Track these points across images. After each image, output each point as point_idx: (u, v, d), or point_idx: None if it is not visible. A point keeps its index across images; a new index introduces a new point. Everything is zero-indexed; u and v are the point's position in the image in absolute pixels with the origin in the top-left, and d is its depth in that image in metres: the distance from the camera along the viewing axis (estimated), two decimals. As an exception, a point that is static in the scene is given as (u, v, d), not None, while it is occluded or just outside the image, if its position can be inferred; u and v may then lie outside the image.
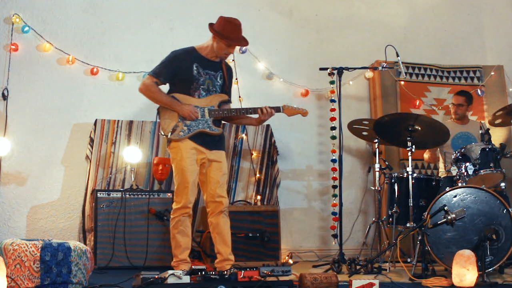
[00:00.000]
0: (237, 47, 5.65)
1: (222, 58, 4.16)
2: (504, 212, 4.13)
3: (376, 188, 5.10)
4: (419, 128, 4.59)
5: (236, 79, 5.46)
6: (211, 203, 4.09)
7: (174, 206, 4.05)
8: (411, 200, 4.52)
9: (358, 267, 4.27)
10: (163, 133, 4.05)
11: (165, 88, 4.16)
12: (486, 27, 6.40)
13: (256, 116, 4.18)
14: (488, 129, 4.66)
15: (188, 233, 4.05)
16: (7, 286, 3.11)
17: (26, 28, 5.17)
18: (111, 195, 4.77)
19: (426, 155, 5.43)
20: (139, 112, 5.33)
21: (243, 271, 3.33)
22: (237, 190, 5.37)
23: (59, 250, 3.35)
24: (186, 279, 3.20)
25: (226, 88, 4.21)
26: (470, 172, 4.43)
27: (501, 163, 4.56)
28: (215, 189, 4.07)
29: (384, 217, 4.98)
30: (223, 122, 4.23)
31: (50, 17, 5.30)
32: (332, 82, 5.48)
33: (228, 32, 4.03)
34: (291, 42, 5.91)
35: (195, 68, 4.06)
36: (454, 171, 4.51)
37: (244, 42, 4.15)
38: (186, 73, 4.04)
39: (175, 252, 4.03)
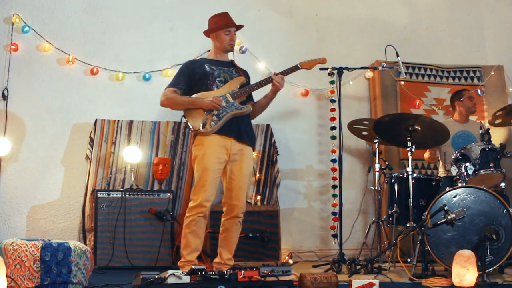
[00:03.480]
0: (237, 47, 5.68)
1: (229, 49, 4.20)
2: (504, 212, 4.13)
3: (376, 188, 5.10)
4: (419, 128, 4.59)
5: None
6: (226, 204, 4.10)
7: (190, 204, 4.00)
8: (411, 200, 4.51)
9: (358, 267, 4.27)
10: (193, 130, 4.01)
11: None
12: (486, 27, 6.40)
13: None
14: (488, 129, 4.66)
15: (200, 235, 3.99)
16: (7, 286, 3.11)
17: (26, 28, 5.17)
18: (111, 195, 4.77)
19: (426, 154, 5.44)
20: (139, 112, 5.34)
21: (243, 271, 3.33)
22: (237, 190, 5.37)
23: (59, 250, 3.35)
24: (186, 279, 3.20)
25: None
26: (470, 172, 4.43)
27: (501, 163, 4.56)
28: (232, 190, 4.05)
29: (384, 217, 4.98)
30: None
31: (50, 17, 5.30)
32: (332, 82, 5.48)
33: (219, 21, 4.15)
34: (291, 42, 5.91)
35: (206, 66, 4.13)
36: (454, 171, 4.50)
37: (237, 25, 4.20)
38: (200, 73, 4.09)
39: (183, 252, 3.98)
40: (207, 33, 4.24)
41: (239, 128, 4.05)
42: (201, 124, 3.96)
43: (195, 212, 3.95)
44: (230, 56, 4.32)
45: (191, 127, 4.02)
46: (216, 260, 4.10)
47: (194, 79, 4.10)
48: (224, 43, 4.16)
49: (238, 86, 4.12)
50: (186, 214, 4.00)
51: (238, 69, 4.25)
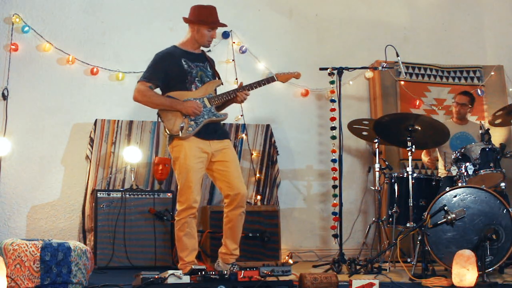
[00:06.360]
0: (237, 47, 5.69)
1: (206, 45, 4.12)
2: (504, 212, 4.13)
3: (376, 188, 5.10)
4: (419, 128, 4.60)
5: (236, 79, 5.47)
6: (228, 196, 4.00)
7: (178, 207, 3.95)
8: (411, 200, 4.52)
9: (358, 267, 4.27)
10: (170, 133, 3.95)
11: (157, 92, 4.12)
12: (486, 27, 6.40)
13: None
14: (488, 129, 4.66)
15: (194, 234, 3.97)
16: (7, 286, 3.11)
17: (26, 28, 5.17)
18: (111, 195, 4.77)
19: (425, 158, 5.43)
20: (139, 112, 5.31)
21: (243, 271, 3.33)
22: (237, 190, 5.36)
23: (59, 250, 3.35)
24: (186, 279, 3.20)
25: (217, 77, 4.20)
26: (470, 172, 4.43)
27: (501, 163, 4.56)
28: (230, 182, 3.98)
29: (384, 217, 4.98)
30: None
31: (50, 17, 5.30)
32: (332, 82, 5.48)
33: (206, 16, 4.05)
34: (291, 42, 5.91)
35: (184, 62, 4.03)
36: (454, 171, 4.51)
37: (223, 24, 4.13)
38: (177, 70, 4.00)
39: (181, 255, 3.94)
40: (187, 21, 4.12)
41: (214, 130, 4.04)
42: (179, 129, 3.91)
43: (186, 215, 3.91)
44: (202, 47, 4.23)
45: (167, 130, 3.96)
46: (222, 250, 4.06)
47: (170, 75, 4.00)
48: (204, 39, 4.06)
49: (214, 90, 4.09)
50: (176, 218, 3.95)
51: (208, 60, 4.18)
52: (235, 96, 4.08)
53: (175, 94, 3.98)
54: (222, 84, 4.23)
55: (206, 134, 3.99)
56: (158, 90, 4.08)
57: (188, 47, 4.12)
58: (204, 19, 4.04)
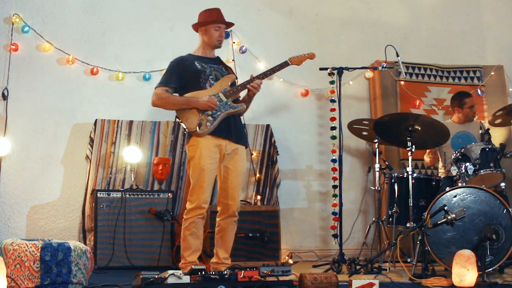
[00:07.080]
0: (237, 47, 5.69)
1: (217, 45, 4.15)
2: (504, 212, 4.13)
3: (376, 188, 5.10)
4: (419, 128, 4.59)
5: (236, 79, 5.46)
6: (221, 203, 4.06)
7: (187, 206, 3.97)
8: (411, 200, 4.52)
9: (358, 267, 4.27)
10: (189, 131, 3.96)
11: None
12: (486, 27, 6.40)
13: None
14: (488, 129, 4.66)
15: (200, 235, 3.98)
16: (7, 286, 3.11)
17: (26, 28, 5.17)
18: (111, 195, 4.77)
19: (427, 158, 5.43)
20: (139, 112, 5.34)
21: (243, 271, 3.33)
22: (237, 190, 5.36)
23: (59, 250, 3.35)
24: (186, 279, 3.20)
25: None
26: (470, 172, 4.43)
27: (501, 163, 4.56)
28: (227, 190, 4.02)
29: (384, 217, 4.98)
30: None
31: (50, 17, 5.30)
32: (332, 82, 5.48)
33: (210, 16, 4.11)
34: (291, 42, 5.90)
35: (197, 63, 4.07)
36: (454, 171, 4.50)
37: (229, 22, 4.17)
38: (191, 71, 4.04)
39: (184, 254, 3.96)
40: (195, 27, 4.19)
41: (232, 129, 4.03)
42: (197, 125, 3.93)
43: (194, 214, 3.93)
44: (215, 52, 4.26)
45: (186, 128, 3.98)
46: (213, 260, 4.08)
47: (185, 77, 4.05)
48: (212, 39, 4.11)
49: (229, 84, 4.10)
50: (185, 216, 3.97)
51: (224, 65, 4.22)
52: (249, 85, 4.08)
53: (190, 95, 4.01)
54: (236, 78, 4.22)
55: (225, 133, 4.00)
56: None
57: (201, 52, 4.17)
58: (209, 19, 4.11)
